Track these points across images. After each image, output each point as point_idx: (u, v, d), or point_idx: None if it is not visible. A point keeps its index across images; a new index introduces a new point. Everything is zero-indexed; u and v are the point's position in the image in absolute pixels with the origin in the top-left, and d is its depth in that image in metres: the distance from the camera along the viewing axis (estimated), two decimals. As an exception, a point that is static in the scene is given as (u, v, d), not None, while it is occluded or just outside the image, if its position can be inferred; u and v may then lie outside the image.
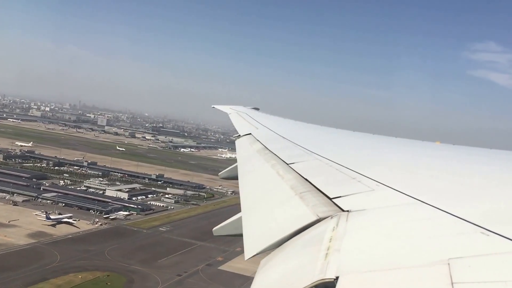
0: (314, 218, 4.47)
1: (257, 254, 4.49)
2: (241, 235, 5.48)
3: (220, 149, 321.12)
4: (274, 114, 22.55)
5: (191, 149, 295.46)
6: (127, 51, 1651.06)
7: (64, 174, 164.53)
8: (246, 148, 12.37)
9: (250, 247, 4.73)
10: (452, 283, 2.48)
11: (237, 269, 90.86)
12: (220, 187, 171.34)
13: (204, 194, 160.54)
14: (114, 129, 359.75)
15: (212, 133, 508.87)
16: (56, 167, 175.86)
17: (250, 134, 14.35)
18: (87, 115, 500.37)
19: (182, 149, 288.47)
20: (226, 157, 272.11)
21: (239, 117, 20.68)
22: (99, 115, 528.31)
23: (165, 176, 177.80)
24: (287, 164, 7.80)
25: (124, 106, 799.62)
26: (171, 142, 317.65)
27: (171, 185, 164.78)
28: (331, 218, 4.30)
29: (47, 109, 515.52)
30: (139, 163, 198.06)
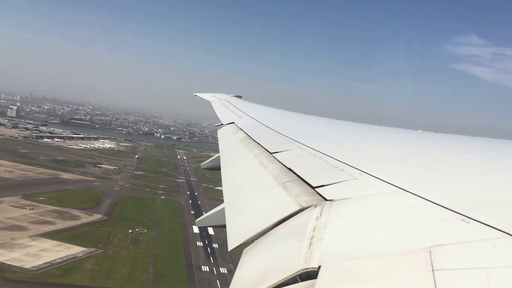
0: (297, 208, 4.46)
1: (240, 244, 4.47)
2: (224, 226, 5.45)
3: (102, 140, 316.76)
4: (256, 103, 22.45)
5: (57, 139, 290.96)
6: (107, 43, 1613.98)
7: None
8: (228, 137, 12.30)
9: (233, 237, 4.70)
10: (433, 270, 2.50)
11: None
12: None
13: None
14: (2, 120, 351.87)
15: (149, 127, 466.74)
16: None
17: (233, 123, 14.28)
18: (11, 106, 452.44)
19: (46, 139, 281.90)
20: (83, 147, 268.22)
21: (222, 106, 20.55)
22: (35, 106, 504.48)
23: None
24: (270, 153, 7.76)
25: (95, 100, 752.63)
26: (51, 132, 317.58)
27: None
28: (314, 207, 4.30)
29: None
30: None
